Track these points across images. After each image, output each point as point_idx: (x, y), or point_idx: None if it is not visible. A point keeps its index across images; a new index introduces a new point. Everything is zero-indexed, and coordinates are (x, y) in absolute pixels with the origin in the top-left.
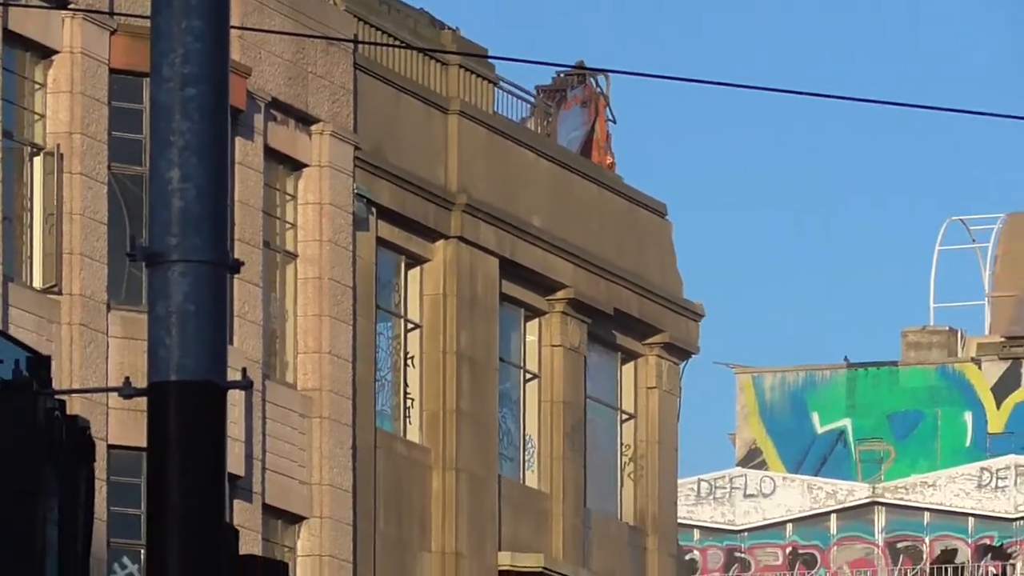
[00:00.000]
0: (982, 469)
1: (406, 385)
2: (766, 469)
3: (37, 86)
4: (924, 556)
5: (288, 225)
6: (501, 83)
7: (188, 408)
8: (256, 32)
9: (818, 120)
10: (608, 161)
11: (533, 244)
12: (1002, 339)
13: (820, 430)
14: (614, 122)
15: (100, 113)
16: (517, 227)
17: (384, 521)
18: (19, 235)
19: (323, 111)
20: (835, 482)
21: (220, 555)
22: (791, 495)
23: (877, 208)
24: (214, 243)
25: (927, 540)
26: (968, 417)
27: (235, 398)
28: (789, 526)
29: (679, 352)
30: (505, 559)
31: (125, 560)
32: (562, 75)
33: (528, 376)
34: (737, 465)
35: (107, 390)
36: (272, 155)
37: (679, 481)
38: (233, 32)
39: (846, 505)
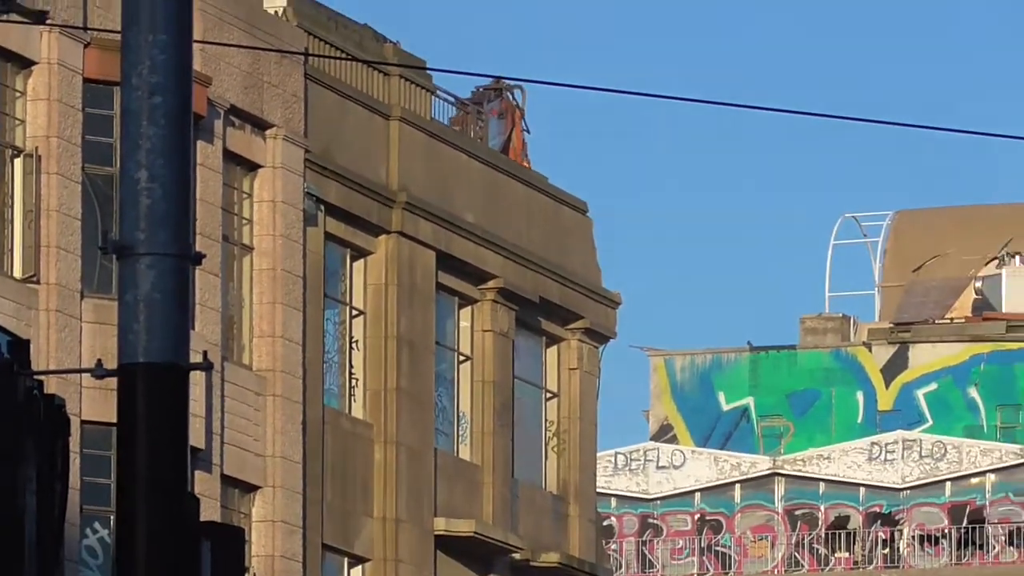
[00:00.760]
0: (872, 443)
1: (351, 366)
2: (677, 443)
3: (18, 94)
4: (820, 522)
5: (245, 221)
6: (437, 92)
7: (154, 387)
8: (216, 45)
9: (726, 126)
10: (524, 167)
11: (466, 238)
12: (890, 325)
13: (725, 408)
14: (528, 132)
15: (75, 119)
16: (452, 223)
17: (331, 490)
18: (1, 230)
19: (276, 117)
20: (739, 455)
21: (183, 521)
22: (699, 467)
23: (778, 206)
24: (178, 237)
25: (822, 508)
26: (860, 396)
27: (196, 378)
28: (697, 495)
29: (598, 337)
30: (440, 524)
31: (96, 525)
32: (481, 89)
33: (461, 358)
34: (650, 439)
35: (81, 371)
36: (230, 157)
37: (598, 454)
38: (195, 45)
39: (749, 476)
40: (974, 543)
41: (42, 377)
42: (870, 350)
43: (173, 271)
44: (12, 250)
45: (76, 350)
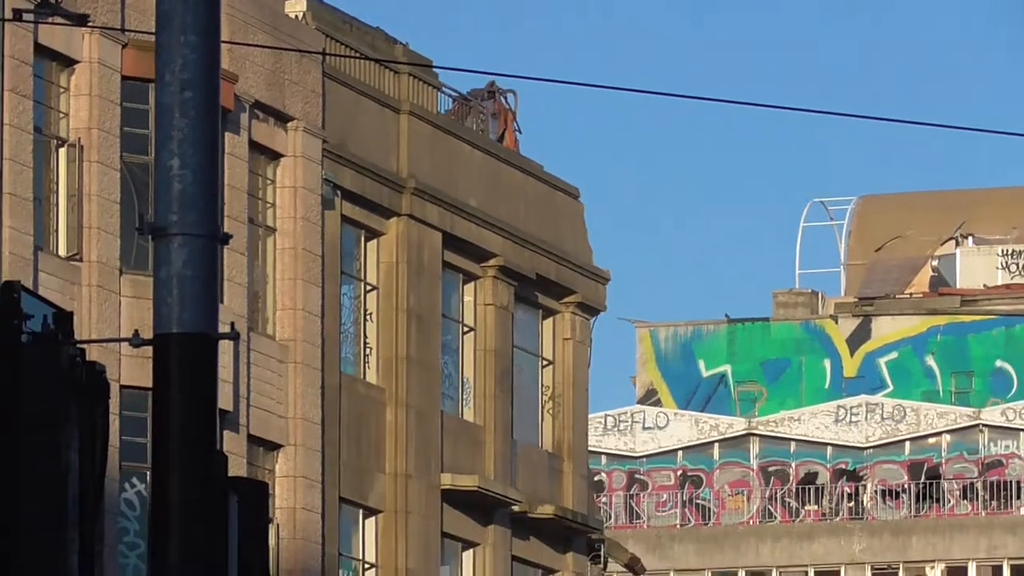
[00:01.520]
0: (838, 407)
1: (365, 336)
2: (661, 407)
3: (62, 90)
4: (791, 478)
5: (268, 205)
6: (443, 88)
7: (186, 355)
8: (242, 46)
9: (705, 120)
10: (522, 156)
11: (469, 220)
12: (855, 300)
13: (705, 374)
14: (520, 132)
15: (113, 112)
16: (456, 206)
17: (347, 448)
18: (47, 212)
19: (297, 111)
20: (717, 417)
21: (212, 476)
22: (681, 428)
23: (753, 192)
24: (207, 219)
25: (793, 465)
26: (827, 364)
27: (224, 347)
28: (680, 453)
29: (590, 310)
30: (446, 479)
31: (134, 480)
32: (475, 91)
33: (465, 329)
34: (637, 403)
35: (119, 340)
36: (255, 147)
37: (589, 416)
38: (223, 45)
39: (726, 436)
40: (931, 497)
41: (84, 346)
42: (836, 322)
43: (203, 250)
44: (57, 231)
45: (115, 321)
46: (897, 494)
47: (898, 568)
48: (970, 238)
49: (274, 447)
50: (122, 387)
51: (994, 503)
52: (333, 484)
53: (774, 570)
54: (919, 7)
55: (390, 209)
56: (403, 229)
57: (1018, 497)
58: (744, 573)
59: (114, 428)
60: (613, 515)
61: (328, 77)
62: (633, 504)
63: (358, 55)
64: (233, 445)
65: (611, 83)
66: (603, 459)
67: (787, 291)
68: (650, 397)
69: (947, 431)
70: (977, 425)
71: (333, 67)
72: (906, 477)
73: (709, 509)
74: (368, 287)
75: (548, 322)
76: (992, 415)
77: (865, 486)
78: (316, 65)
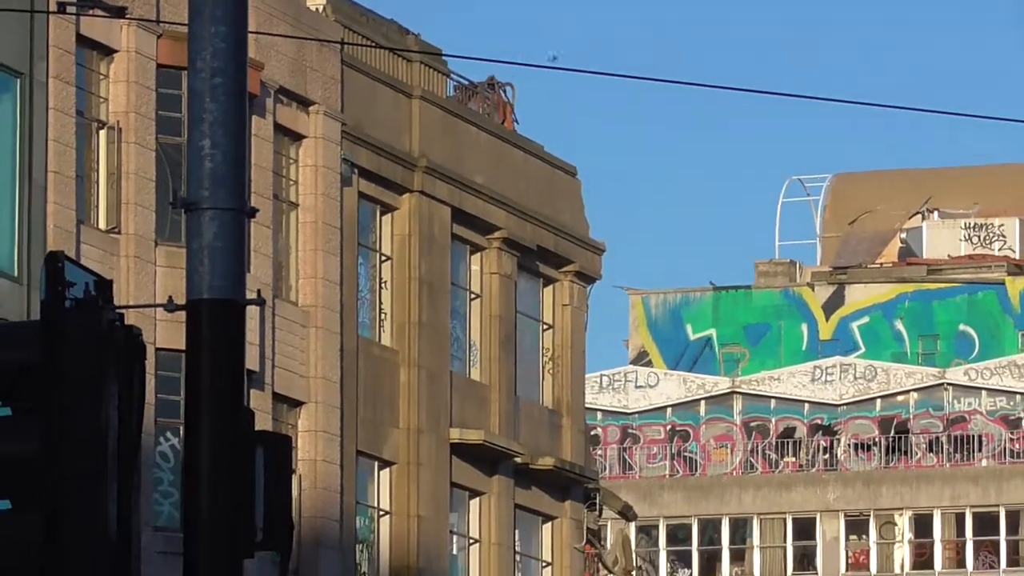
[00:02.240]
0: (815, 367)
1: (380, 303)
2: (652, 367)
3: (102, 77)
4: (771, 432)
5: (291, 182)
6: (451, 75)
7: (216, 320)
8: (267, 36)
9: (694, 105)
10: (524, 138)
11: (476, 196)
12: (830, 269)
13: (692, 337)
14: (517, 122)
15: (149, 97)
16: (464, 183)
17: (363, 405)
18: (88, 189)
19: (318, 96)
20: (704, 377)
21: (240, 430)
22: (670, 387)
23: (737, 170)
24: (235, 195)
25: (773, 421)
26: (804, 328)
27: (251, 312)
28: (669, 410)
29: (586, 278)
30: (455, 434)
31: (168, 434)
32: (477, 83)
33: (472, 296)
34: (630, 364)
35: (155, 306)
36: (279, 129)
37: (586, 375)
38: (250, 35)
39: (712, 394)
40: (899, 450)
41: (122, 311)
42: (813, 290)
43: (231, 223)
44: (98, 206)
45: (151, 289)
46: (868, 447)
47: (869, 515)
48: (936, 212)
49: (297, 404)
50: (157, 349)
51: (957, 456)
52: (351, 438)
53: (755, 517)
54: None
55: (403, 186)
56: (415, 204)
57: (979, 450)
58: (727, 520)
59: (150, 387)
60: (608, 466)
61: (346, 65)
62: (626, 456)
63: (373, 45)
64: (259, 402)
65: (606, 70)
66: (599, 415)
67: (767, 261)
68: (642, 358)
69: (914, 389)
70: (942, 384)
71: (351, 56)
72: (876, 432)
73: (696, 461)
74: (383, 257)
75: (548, 289)
76: (956, 375)
77: (839, 440)
78: (335, 54)
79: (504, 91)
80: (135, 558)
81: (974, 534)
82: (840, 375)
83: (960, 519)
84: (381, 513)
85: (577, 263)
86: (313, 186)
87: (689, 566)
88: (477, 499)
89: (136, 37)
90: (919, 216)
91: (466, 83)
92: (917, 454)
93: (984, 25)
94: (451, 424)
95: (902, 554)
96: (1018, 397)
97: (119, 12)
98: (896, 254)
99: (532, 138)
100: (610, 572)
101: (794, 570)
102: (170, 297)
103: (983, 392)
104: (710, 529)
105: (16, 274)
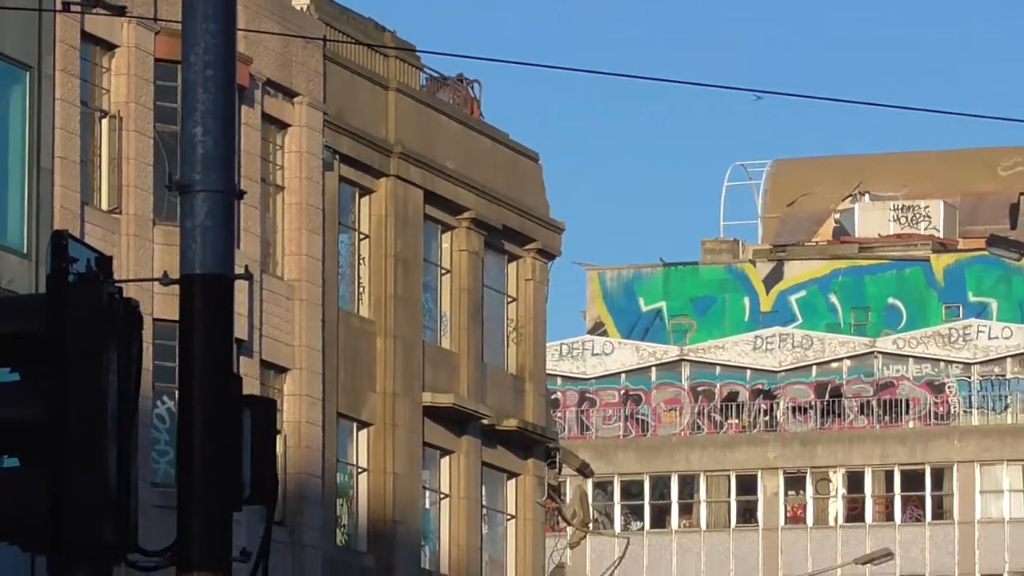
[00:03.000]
0: (756, 337)
1: (359, 277)
2: (607, 336)
3: (104, 70)
4: (716, 396)
5: (278, 167)
6: (424, 69)
7: (207, 293)
8: (255, 32)
9: (647, 96)
10: (491, 127)
11: (447, 180)
12: (770, 247)
13: (644, 309)
14: (482, 116)
15: (148, 89)
16: (436, 168)
17: (343, 371)
18: (91, 173)
19: (302, 88)
20: (655, 345)
21: (229, 394)
22: (624, 354)
23: (685, 156)
24: (225, 178)
25: (718, 386)
26: (747, 301)
27: (240, 286)
28: (623, 376)
29: (547, 255)
30: (427, 398)
31: (164, 398)
32: (444, 76)
33: (443, 271)
34: (587, 333)
35: (151, 280)
36: (266, 118)
37: (547, 344)
38: (239, 32)
39: (662, 361)
40: (834, 413)
41: (122, 285)
42: (755, 265)
43: (222, 204)
44: (100, 189)
45: (149, 264)
46: (805, 410)
47: (806, 473)
48: (867, 195)
49: (282, 370)
50: (154, 320)
51: (887, 418)
52: (332, 401)
53: (701, 474)
54: None
55: (380, 171)
56: (391, 187)
57: (907, 413)
58: (676, 477)
59: (147, 354)
60: (567, 428)
61: (328, 59)
62: (583, 418)
63: (353, 41)
64: (248, 368)
65: (566, 65)
66: (558, 380)
67: (713, 240)
68: (598, 328)
69: (847, 357)
70: (873, 352)
71: (332, 51)
72: (813, 396)
73: (647, 423)
74: (361, 236)
75: (512, 265)
76: (885, 344)
77: (778, 403)
78: (318, 49)
79: (471, 87)
80: (134, 511)
81: (902, 490)
82: (779, 344)
83: (889, 476)
84: (359, 470)
85: (539, 241)
86: (297, 170)
87: (641, 519)
88: (447, 457)
89: (135, 34)
90: (851, 198)
91: (437, 76)
92: (850, 416)
93: (917, 20)
94: (423, 389)
95: (836, 508)
96: (942, 364)
97: (120, 10)
98: (830, 233)
99: (498, 127)
100: (569, 524)
101: (737, 523)
102: (165, 272)
103: (910, 360)
104: (660, 485)
105: (25, 251)
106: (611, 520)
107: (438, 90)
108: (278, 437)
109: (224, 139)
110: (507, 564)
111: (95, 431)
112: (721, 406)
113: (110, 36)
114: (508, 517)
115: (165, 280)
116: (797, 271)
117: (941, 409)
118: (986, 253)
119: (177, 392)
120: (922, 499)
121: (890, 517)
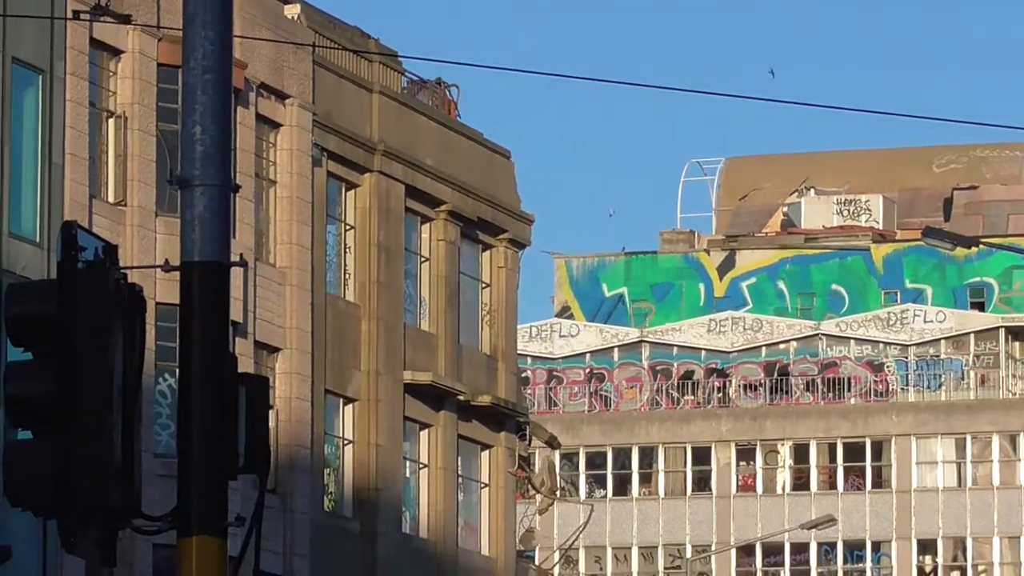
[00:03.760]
0: (710, 320)
1: (345, 265)
2: (573, 320)
3: (111, 74)
4: (673, 375)
5: (270, 163)
6: (406, 73)
7: (206, 278)
8: (250, 39)
9: (609, 98)
10: (467, 127)
11: (426, 175)
12: (723, 237)
13: (608, 295)
14: (459, 118)
15: (151, 91)
16: (416, 164)
17: (331, 351)
18: (99, 168)
19: (293, 90)
20: (617, 328)
21: (225, 372)
22: (589, 336)
23: (645, 153)
24: (222, 173)
25: (675, 365)
26: (701, 287)
27: (236, 272)
28: (588, 356)
29: (518, 244)
30: (408, 376)
31: (166, 375)
32: (424, 79)
33: (422, 259)
34: (555, 317)
35: (154, 267)
36: (260, 118)
37: (518, 326)
38: (235, 39)
39: (624, 343)
40: (782, 390)
41: (126, 271)
42: (709, 254)
43: (219, 197)
44: (107, 183)
45: (152, 252)
46: (755, 387)
47: (756, 445)
48: (812, 190)
49: (274, 350)
50: (157, 304)
51: (830, 395)
52: (320, 379)
53: (660, 446)
54: None
55: (364, 167)
56: (374, 182)
57: (849, 390)
58: (637, 449)
59: (150, 335)
60: (536, 403)
61: (317, 64)
62: (551, 395)
63: (340, 47)
64: (242, 348)
65: (537, 69)
66: (528, 360)
67: (671, 231)
68: (565, 312)
69: (794, 339)
70: (817, 335)
71: (321, 56)
72: (762, 374)
73: (610, 399)
74: (347, 227)
75: (486, 254)
76: (829, 327)
77: (731, 381)
78: (308, 55)
79: (449, 90)
80: (137, 480)
81: (844, 461)
82: (732, 327)
83: (832, 448)
84: (345, 442)
85: (510, 232)
86: (289, 166)
87: (604, 488)
88: (426, 431)
89: (140, 40)
90: (798, 193)
91: (417, 79)
92: (796, 393)
93: (860, 27)
94: (404, 367)
95: (783, 478)
96: (881, 345)
97: (125, 19)
98: (779, 225)
99: (473, 126)
100: (538, 492)
101: (692, 491)
102: (167, 260)
103: (852, 341)
104: (622, 456)
105: (38, 240)
106: (576, 488)
107: (418, 92)
108: (270, 412)
109: (221, 137)
110: (481, 529)
111: (102, 405)
112: (678, 384)
113: (116, 42)
114: (482, 485)
115: (167, 267)
116: (748, 260)
117: (880, 387)
118: (922, 243)
119: (177, 370)
120: (863, 469)
121: (833, 486)
